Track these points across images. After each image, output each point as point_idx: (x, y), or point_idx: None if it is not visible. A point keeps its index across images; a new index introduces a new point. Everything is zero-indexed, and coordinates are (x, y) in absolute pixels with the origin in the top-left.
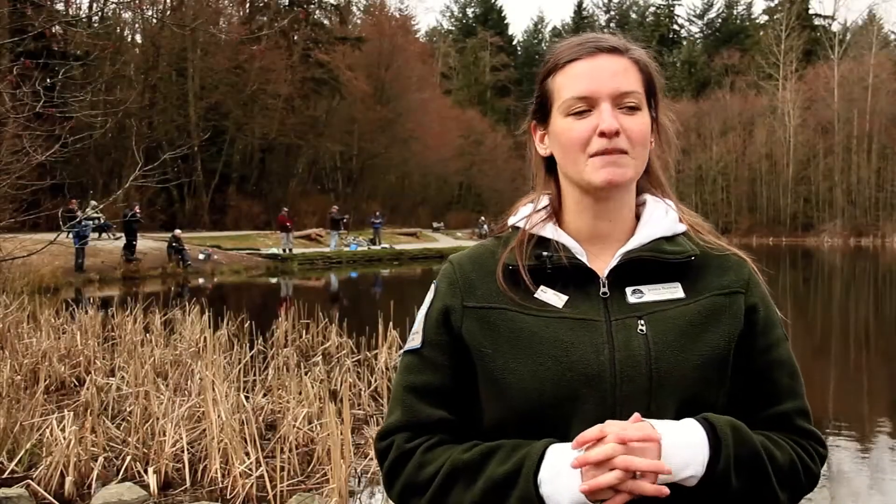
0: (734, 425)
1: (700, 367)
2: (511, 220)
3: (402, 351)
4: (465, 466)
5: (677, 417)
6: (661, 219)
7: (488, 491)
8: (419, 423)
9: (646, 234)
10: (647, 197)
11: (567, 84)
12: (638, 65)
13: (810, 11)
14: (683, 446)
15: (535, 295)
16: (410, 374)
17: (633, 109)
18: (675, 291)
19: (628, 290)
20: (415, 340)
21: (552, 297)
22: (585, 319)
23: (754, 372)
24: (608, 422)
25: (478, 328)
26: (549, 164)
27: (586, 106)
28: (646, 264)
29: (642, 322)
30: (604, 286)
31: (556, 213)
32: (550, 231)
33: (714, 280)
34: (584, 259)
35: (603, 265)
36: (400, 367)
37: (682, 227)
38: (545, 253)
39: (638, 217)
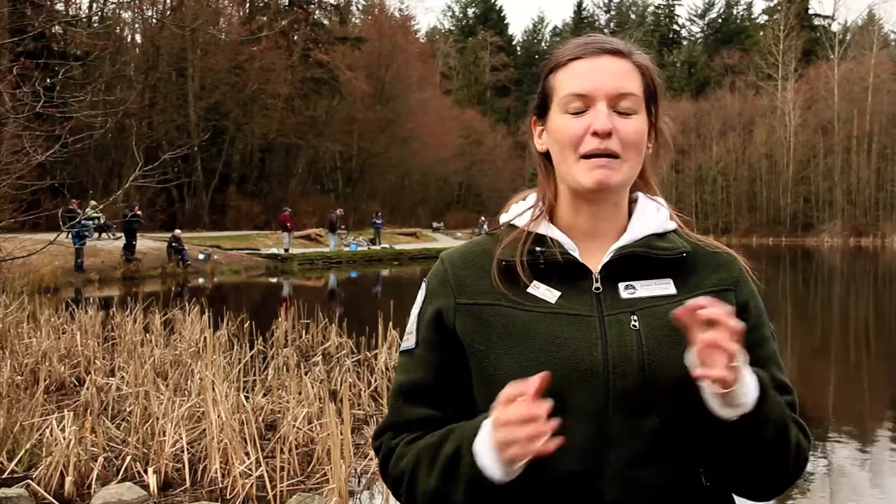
0: (772, 384)
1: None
2: (504, 218)
3: (399, 350)
4: (425, 450)
5: (669, 413)
6: (653, 216)
7: (444, 472)
8: (405, 422)
9: (637, 230)
10: (640, 195)
11: (567, 81)
12: (640, 69)
13: (810, 11)
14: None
15: (529, 290)
16: (402, 374)
17: (629, 113)
18: (667, 287)
19: (621, 285)
20: (409, 340)
21: (545, 293)
22: (578, 315)
23: None
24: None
25: (471, 325)
26: (548, 160)
27: (583, 104)
28: (638, 260)
29: (635, 317)
30: (596, 282)
31: (551, 209)
32: (544, 227)
33: (705, 277)
34: (576, 255)
35: (596, 262)
36: (396, 366)
37: (672, 225)
38: (538, 248)
39: (630, 215)
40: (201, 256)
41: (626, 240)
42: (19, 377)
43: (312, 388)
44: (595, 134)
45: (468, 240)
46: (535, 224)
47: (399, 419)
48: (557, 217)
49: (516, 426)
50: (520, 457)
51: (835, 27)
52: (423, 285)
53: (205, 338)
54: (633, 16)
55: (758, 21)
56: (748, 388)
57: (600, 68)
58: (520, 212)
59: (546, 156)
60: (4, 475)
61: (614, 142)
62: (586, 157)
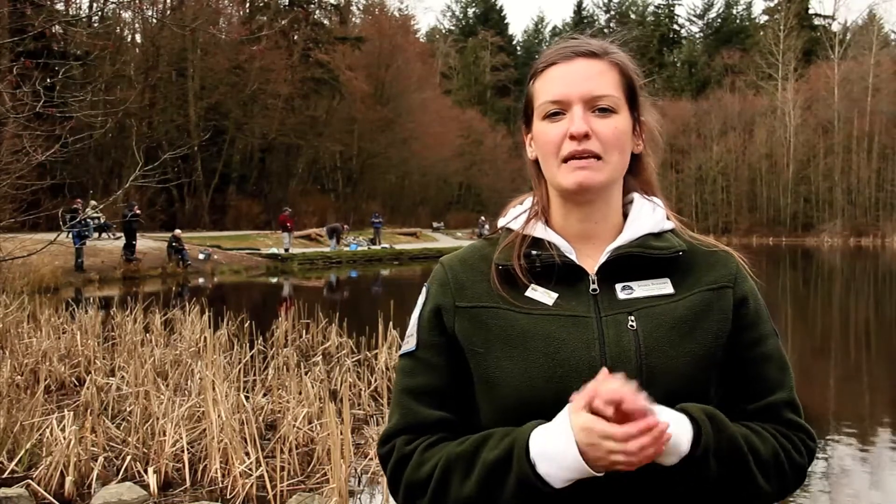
0: (709, 413)
1: (690, 363)
2: (501, 222)
3: (398, 354)
4: (458, 457)
5: None
6: (649, 216)
7: (485, 478)
8: (418, 424)
9: (633, 230)
10: (635, 195)
11: (543, 88)
12: (617, 68)
13: (810, 11)
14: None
15: (526, 294)
16: (407, 376)
17: (608, 112)
18: (664, 287)
19: (618, 286)
20: (409, 343)
21: (542, 295)
22: (576, 316)
23: (742, 365)
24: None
25: (470, 328)
26: (539, 167)
27: (560, 109)
28: (634, 260)
29: (632, 318)
30: (593, 283)
31: (545, 213)
32: (541, 230)
33: (703, 275)
34: (573, 257)
35: (593, 263)
36: (397, 370)
37: (669, 225)
38: (535, 251)
39: (626, 216)
40: (201, 256)
41: (621, 240)
42: (19, 377)
43: (312, 388)
44: (573, 137)
45: (468, 240)
46: (530, 227)
47: (413, 421)
48: (552, 220)
49: (630, 441)
50: (620, 466)
51: (835, 27)
52: (424, 289)
53: (205, 338)
54: (633, 16)
55: (758, 21)
56: (680, 438)
57: (574, 72)
58: (516, 215)
59: (537, 162)
60: (4, 475)
61: (594, 143)
62: (567, 160)
